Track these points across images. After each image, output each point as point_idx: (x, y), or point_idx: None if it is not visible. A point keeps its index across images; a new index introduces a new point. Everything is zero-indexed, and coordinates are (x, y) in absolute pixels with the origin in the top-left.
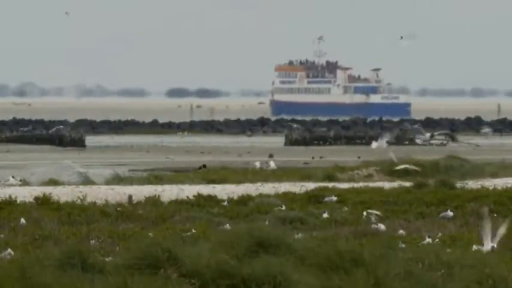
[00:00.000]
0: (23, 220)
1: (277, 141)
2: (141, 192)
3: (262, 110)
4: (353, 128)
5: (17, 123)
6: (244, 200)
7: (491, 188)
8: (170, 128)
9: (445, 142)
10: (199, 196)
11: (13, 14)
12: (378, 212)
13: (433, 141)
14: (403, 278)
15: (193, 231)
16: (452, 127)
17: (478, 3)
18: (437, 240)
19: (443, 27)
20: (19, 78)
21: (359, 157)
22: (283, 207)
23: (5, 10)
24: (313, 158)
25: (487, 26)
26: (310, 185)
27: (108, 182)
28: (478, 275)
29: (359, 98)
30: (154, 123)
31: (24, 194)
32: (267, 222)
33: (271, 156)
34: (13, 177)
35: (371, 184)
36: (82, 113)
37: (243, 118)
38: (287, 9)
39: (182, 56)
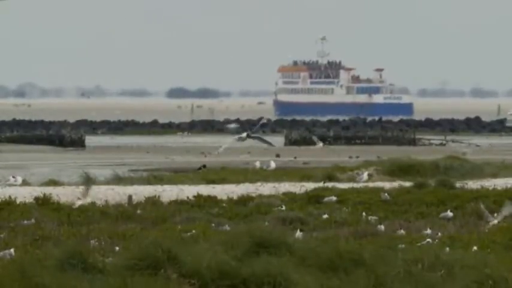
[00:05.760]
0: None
1: (277, 141)
2: (141, 192)
3: (262, 110)
4: (353, 128)
5: (17, 124)
6: (244, 200)
7: (491, 188)
8: (170, 128)
9: (444, 142)
10: (199, 196)
11: (13, 14)
12: (375, 217)
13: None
14: (403, 279)
15: (193, 231)
16: (452, 127)
17: (478, 4)
18: (437, 240)
19: (443, 27)
20: (19, 79)
21: (350, 157)
22: (283, 208)
23: (5, 11)
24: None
25: (487, 26)
26: (311, 185)
27: (108, 182)
28: (478, 275)
29: (362, 98)
30: (155, 123)
31: (24, 195)
32: (266, 223)
33: (278, 156)
34: (13, 177)
35: (371, 184)
36: (82, 114)
37: (243, 118)
38: (289, 9)
39: (183, 57)
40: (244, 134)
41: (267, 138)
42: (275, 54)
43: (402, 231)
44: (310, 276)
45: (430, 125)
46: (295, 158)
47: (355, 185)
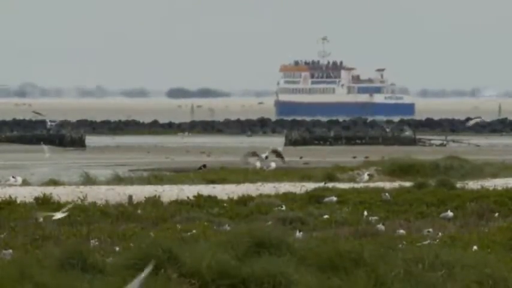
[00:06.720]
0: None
1: (277, 141)
2: (141, 192)
3: (262, 110)
4: (353, 128)
5: (17, 124)
6: (245, 200)
7: (491, 188)
8: (170, 128)
9: (445, 143)
10: (199, 196)
11: (14, 14)
12: (376, 217)
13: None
14: (403, 278)
15: (194, 231)
16: (452, 127)
17: (478, 4)
18: (437, 240)
19: (443, 28)
20: (20, 79)
21: (354, 157)
22: (284, 208)
23: (6, 11)
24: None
25: (487, 26)
26: (311, 185)
27: (108, 182)
28: (478, 275)
29: (363, 98)
30: (155, 123)
31: (24, 194)
32: (269, 223)
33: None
34: (13, 177)
35: (371, 184)
36: (82, 114)
37: (243, 118)
38: (290, 10)
39: (183, 57)
40: (265, 154)
41: (268, 138)
42: (276, 54)
43: (402, 231)
44: (310, 276)
45: (430, 125)
46: (300, 158)
47: (355, 185)
